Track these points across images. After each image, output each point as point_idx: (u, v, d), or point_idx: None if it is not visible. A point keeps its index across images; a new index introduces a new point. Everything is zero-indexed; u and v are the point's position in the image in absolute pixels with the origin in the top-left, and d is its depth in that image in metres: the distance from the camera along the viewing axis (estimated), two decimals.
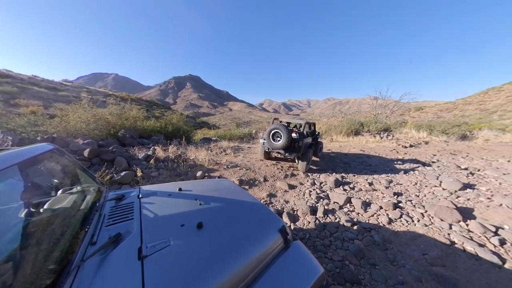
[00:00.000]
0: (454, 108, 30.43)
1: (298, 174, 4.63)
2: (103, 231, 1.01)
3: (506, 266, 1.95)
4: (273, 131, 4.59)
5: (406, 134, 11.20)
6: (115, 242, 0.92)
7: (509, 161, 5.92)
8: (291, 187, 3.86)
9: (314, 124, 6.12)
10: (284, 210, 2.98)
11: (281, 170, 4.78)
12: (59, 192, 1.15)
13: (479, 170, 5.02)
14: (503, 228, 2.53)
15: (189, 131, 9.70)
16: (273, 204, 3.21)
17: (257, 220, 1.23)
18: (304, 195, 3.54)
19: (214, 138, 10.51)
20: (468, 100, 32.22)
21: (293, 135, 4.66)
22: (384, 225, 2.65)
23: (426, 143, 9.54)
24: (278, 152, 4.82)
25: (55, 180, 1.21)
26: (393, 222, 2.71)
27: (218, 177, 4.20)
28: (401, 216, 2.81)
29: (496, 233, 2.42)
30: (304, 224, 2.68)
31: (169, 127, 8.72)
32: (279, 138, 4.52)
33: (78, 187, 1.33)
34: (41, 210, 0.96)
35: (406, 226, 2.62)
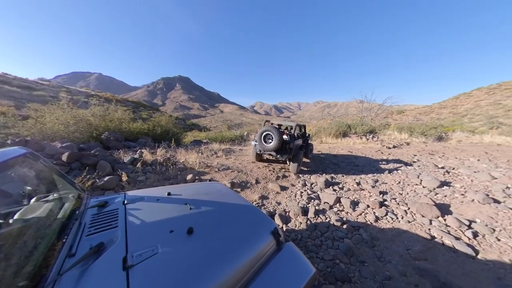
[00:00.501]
0: (431, 112, 32.92)
1: (289, 176, 4.68)
2: (83, 241, 0.94)
3: (479, 256, 2.12)
4: (264, 133, 4.62)
5: (389, 135, 11.87)
6: (97, 252, 0.86)
7: (478, 160, 6.50)
8: (283, 188, 3.90)
9: (304, 126, 6.26)
10: (276, 211, 2.99)
11: (273, 172, 4.80)
12: (33, 200, 1.05)
13: (453, 169, 5.44)
14: (475, 222, 2.76)
15: (178, 133, 9.44)
16: (265, 206, 3.21)
17: (249, 223, 1.22)
18: (295, 196, 3.59)
19: (205, 141, 10.33)
20: (443, 104, 35.07)
21: (284, 137, 4.71)
22: (371, 223, 2.76)
23: (408, 144, 10.17)
24: (270, 154, 4.84)
25: (28, 187, 1.11)
26: (379, 220, 2.83)
27: (209, 180, 4.11)
28: (386, 214, 2.95)
29: (469, 227, 2.63)
30: (296, 225, 2.70)
31: (158, 129, 8.42)
32: (270, 140, 4.56)
33: (55, 194, 1.22)
34: (11, 221, 0.87)
35: (392, 223, 2.75)
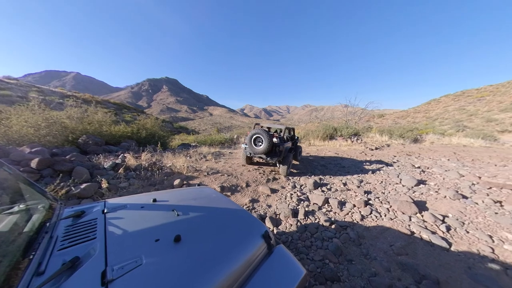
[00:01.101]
0: (407, 116, 35.76)
1: (279, 178, 4.73)
2: (54, 256, 0.85)
3: (452, 248, 2.31)
4: (254, 136, 4.65)
5: (372, 138, 12.62)
6: (71, 268, 0.78)
7: (448, 159, 7.17)
8: (273, 191, 3.91)
9: (293, 129, 6.36)
10: (267, 214, 2.98)
11: (263, 174, 4.81)
12: None
13: (428, 168, 5.92)
14: (448, 216, 3.01)
15: (165, 137, 9.08)
16: (256, 210, 3.19)
17: (240, 227, 1.20)
18: (286, 198, 3.62)
19: (194, 144, 10.06)
20: (417, 109, 38.34)
21: (274, 140, 4.76)
22: (357, 221, 2.87)
23: (388, 145, 10.89)
24: (260, 157, 4.85)
25: None
26: (365, 218, 2.96)
27: (198, 185, 4.00)
28: (371, 212, 3.10)
29: (443, 221, 2.87)
30: (286, 227, 2.72)
31: (142, 132, 8.01)
32: (260, 143, 4.60)
33: (20, 205, 1.09)
34: None
35: (376, 221, 2.89)
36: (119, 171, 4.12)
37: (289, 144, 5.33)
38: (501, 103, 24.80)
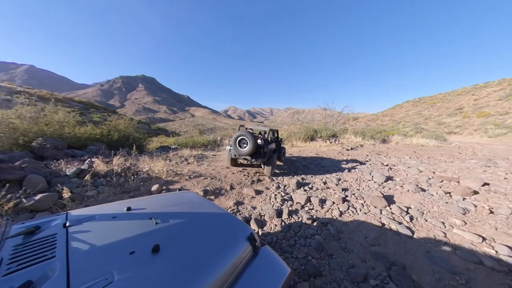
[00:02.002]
0: (377, 119, 39.79)
1: (264, 179, 4.77)
2: None
3: (414, 236, 2.62)
4: (239, 138, 4.68)
5: (347, 139, 13.66)
6: None
7: (410, 157, 8.17)
8: (258, 192, 3.93)
9: (277, 131, 6.54)
10: (252, 216, 2.97)
11: (248, 176, 4.80)
12: None
13: (394, 166, 6.65)
14: (411, 208, 3.42)
15: (141, 139, 8.40)
16: (240, 212, 3.15)
17: (224, 232, 1.17)
18: (270, 199, 3.66)
19: (174, 146, 9.53)
20: (385, 113, 42.95)
21: (259, 141, 4.84)
22: (337, 217, 3.06)
23: (361, 146, 11.92)
24: (245, 159, 4.89)
25: None
26: (343, 214, 3.17)
27: (179, 190, 3.79)
28: (348, 208, 3.33)
29: (407, 212, 3.24)
30: (271, 228, 2.75)
31: (114, 134, 7.28)
32: (245, 145, 4.64)
33: None
34: None
35: (352, 216, 3.12)
36: (85, 178, 3.66)
37: (273, 146, 5.46)
38: (448, 109, 29.37)
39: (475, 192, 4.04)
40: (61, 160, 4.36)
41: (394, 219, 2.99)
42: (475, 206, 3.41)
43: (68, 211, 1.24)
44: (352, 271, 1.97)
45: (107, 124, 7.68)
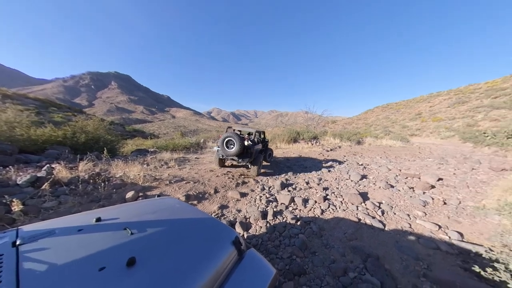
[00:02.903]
0: (352, 122, 43.20)
1: (249, 182, 4.75)
2: None
3: (386, 228, 2.89)
4: (226, 139, 4.82)
5: (327, 140, 14.51)
6: None
7: (380, 157, 9.03)
8: (243, 195, 3.89)
9: (263, 132, 6.71)
10: (237, 219, 2.93)
11: (232, 179, 4.73)
12: None
13: (368, 165, 7.28)
14: (382, 203, 3.77)
15: (114, 142, 7.64)
16: (225, 216, 3.08)
17: (208, 237, 1.12)
18: (255, 201, 3.66)
19: (152, 149, 8.90)
20: (359, 117, 46.92)
21: (246, 142, 5.02)
22: (319, 216, 3.20)
23: (340, 147, 12.77)
24: (232, 159, 5.01)
25: None
26: (324, 212, 3.33)
27: (158, 196, 3.54)
28: (329, 206, 3.52)
29: (379, 207, 3.56)
30: (256, 230, 2.74)
31: (81, 137, 6.48)
32: (232, 146, 4.80)
33: None
34: None
35: (333, 213, 3.30)
36: (43, 187, 3.17)
37: (259, 146, 5.63)
38: (410, 114, 33.45)
39: (432, 186, 4.66)
40: (9, 167, 3.70)
41: (368, 214, 3.26)
42: (433, 199, 3.92)
43: (19, 227, 1.05)
44: (333, 266, 2.07)
45: (72, 125, 6.81)
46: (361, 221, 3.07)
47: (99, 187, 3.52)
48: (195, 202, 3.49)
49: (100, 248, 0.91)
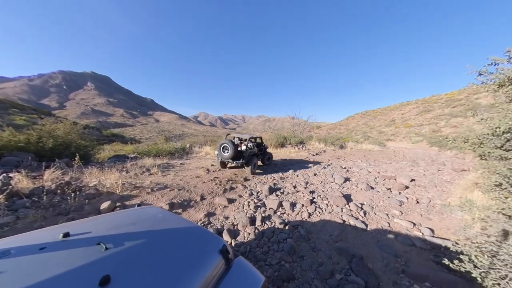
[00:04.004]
0: (335, 128, 45.65)
1: (237, 187, 4.68)
2: None
3: (368, 228, 3.04)
4: (223, 145, 5.84)
5: (313, 145, 15.06)
6: None
7: (361, 161, 9.61)
8: (231, 201, 3.81)
9: (260, 138, 7.44)
10: (225, 227, 2.84)
11: (220, 185, 4.62)
12: None
13: (350, 168, 7.68)
14: (364, 204, 3.98)
15: (88, 147, 7.00)
16: (212, 224, 2.97)
17: (193, 248, 1.07)
18: (243, 207, 3.60)
19: (133, 155, 8.33)
20: (341, 123, 49.84)
21: (243, 147, 6.13)
22: (306, 219, 3.26)
23: (324, 151, 13.33)
24: (229, 161, 5.96)
25: None
26: (311, 215, 3.40)
27: (138, 205, 3.29)
28: (315, 209, 3.60)
29: (361, 208, 3.75)
30: (244, 237, 2.68)
31: (48, 142, 5.83)
32: (227, 151, 5.74)
33: None
34: None
35: (319, 216, 3.38)
36: None
37: (254, 150, 6.47)
38: (385, 120, 36.52)
39: (406, 187, 5.07)
40: None
41: (352, 215, 3.41)
42: (407, 198, 4.26)
43: None
44: (321, 269, 2.10)
45: (37, 129, 6.09)
46: (346, 222, 3.19)
47: (68, 198, 3.16)
48: (179, 210, 3.32)
49: (66, 268, 0.81)
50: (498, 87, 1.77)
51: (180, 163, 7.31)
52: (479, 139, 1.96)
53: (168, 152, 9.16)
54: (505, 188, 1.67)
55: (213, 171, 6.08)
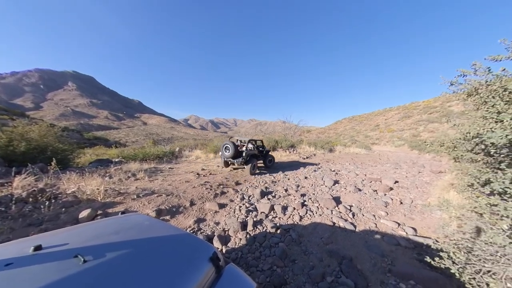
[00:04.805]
0: (325, 132, 47.16)
1: (228, 192, 4.60)
2: None
3: (356, 230, 3.13)
4: (225, 146, 6.62)
5: (303, 149, 15.38)
6: None
7: (349, 164, 9.97)
8: (222, 206, 3.73)
9: (261, 141, 8.13)
10: (215, 233, 2.76)
11: (210, 189, 4.51)
12: None
13: (339, 171, 7.92)
14: (352, 206, 4.10)
15: (67, 151, 6.52)
16: (202, 230, 2.87)
17: (182, 256, 1.02)
18: (234, 211, 3.54)
19: (117, 160, 7.89)
20: (330, 127, 51.68)
21: (244, 148, 6.82)
22: (297, 222, 3.27)
23: (314, 155, 13.65)
24: (230, 160, 6.71)
25: None
26: (303, 218, 3.43)
27: (122, 213, 3.10)
28: (306, 212, 3.64)
29: (350, 210, 3.86)
30: (236, 243, 2.62)
31: (20, 145, 5.34)
32: (228, 151, 6.48)
33: None
34: None
35: (310, 219, 3.42)
36: None
37: (254, 152, 7.05)
38: (370, 125, 38.51)
39: (391, 188, 5.33)
40: None
41: (341, 217, 3.49)
42: (392, 199, 4.47)
43: None
44: (312, 273, 2.11)
45: (8, 131, 5.57)
46: (336, 224, 3.26)
47: (42, 206, 2.89)
48: (167, 217, 3.17)
49: (37, 285, 0.73)
50: (467, 96, 1.96)
51: (169, 168, 7.05)
52: (452, 143, 2.13)
53: (156, 156, 8.81)
54: (476, 188, 1.82)
55: (204, 175, 5.94)
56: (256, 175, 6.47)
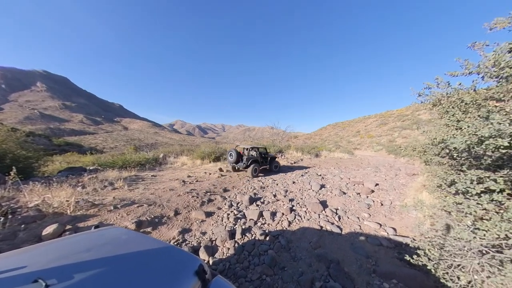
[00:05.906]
0: (311, 138, 48.96)
1: (215, 199, 4.46)
2: None
3: (343, 232, 3.22)
4: (229, 152, 7.63)
5: (291, 154, 15.70)
6: None
7: (334, 168, 10.39)
8: (209, 214, 3.58)
9: (264, 148, 8.87)
10: (202, 244, 2.62)
11: (197, 197, 4.33)
12: None
13: (325, 175, 8.20)
14: (338, 209, 4.23)
15: (31, 158, 5.81)
16: (187, 241, 2.71)
17: (164, 271, 0.94)
18: (222, 220, 3.42)
19: (92, 167, 7.22)
20: (316, 133, 53.90)
21: (246, 155, 7.80)
22: (286, 228, 3.26)
23: (302, 160, 14.00)
24: (233, 164, 7.66)
25: None
26: (291, 224, 3.43)
27: (96, 227, 2.81)
28: (295, 217, 3.66)
29: (336, 213, 3.98)
30: (223, 253, 2.51)
31: None
32: (231, 156, 7.48)
33: None
34: None
35: (299, 224, 3.44)
36: None
37: (255, 157, 7.71)
38: (352, 131, 41.04)
39: (372, 191, 5.64)
40: None
41: (328, 221, 3.57)
42: (373, 201, 4.72)
43: None
44: (302, 279, 2.09)
45: None
46: (323, 228, 3.32)
47: None
48: (149, 229, 2.94)
49: None
50: (432, 106, 2.21)
51: (152, 175, 6.64)
52: (422, 148, 2.36)
53: (138, 163, 8.26)
54: (444, 189, 2.02)
55: (190, 183, 5.70)
56: (245, 182, 6.40)
